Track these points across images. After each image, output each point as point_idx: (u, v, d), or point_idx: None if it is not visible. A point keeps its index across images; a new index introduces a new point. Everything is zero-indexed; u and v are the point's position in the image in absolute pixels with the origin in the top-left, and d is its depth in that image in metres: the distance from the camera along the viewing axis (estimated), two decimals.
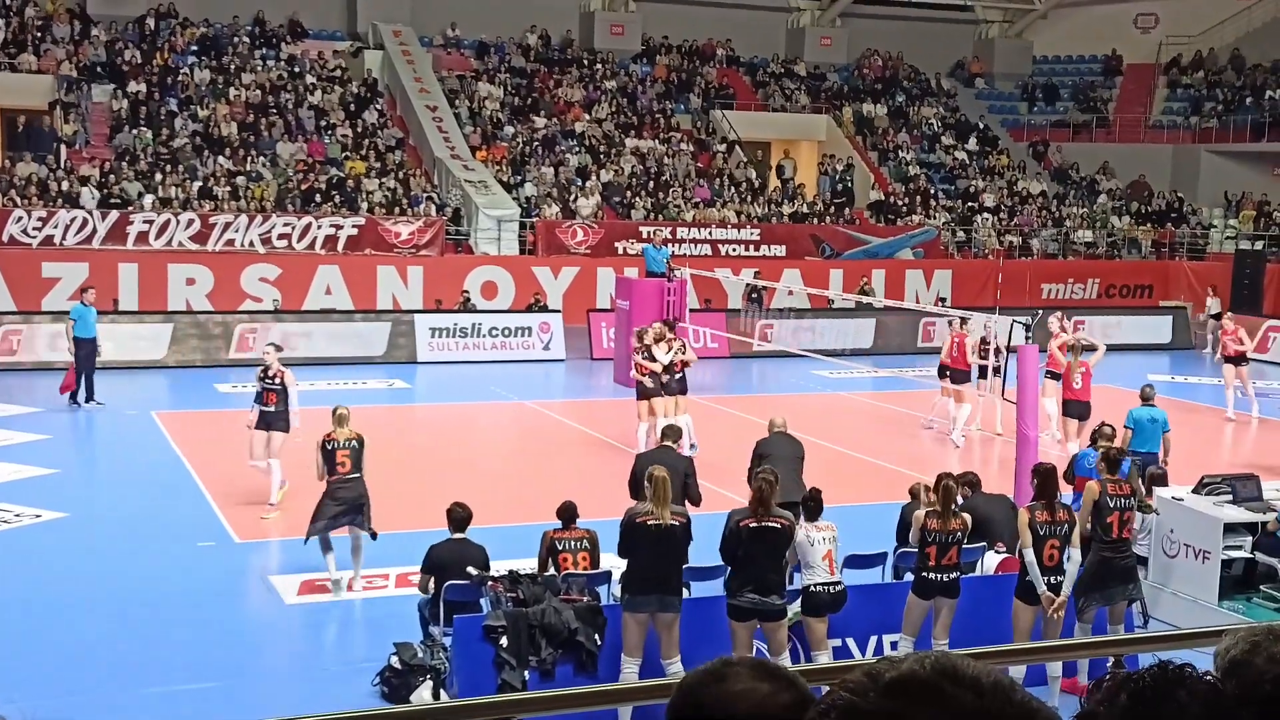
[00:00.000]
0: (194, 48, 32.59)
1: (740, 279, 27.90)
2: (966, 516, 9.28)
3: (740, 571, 8.56)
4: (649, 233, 27.99)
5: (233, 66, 32.35)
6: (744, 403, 20.90)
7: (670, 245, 25.71)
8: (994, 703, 1.41)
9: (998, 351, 16.38)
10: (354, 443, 11.23)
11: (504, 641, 8.58)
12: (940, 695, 1.41)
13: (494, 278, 28.40)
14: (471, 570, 9.25)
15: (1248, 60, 39.22)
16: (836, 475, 13.79)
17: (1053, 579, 8.83)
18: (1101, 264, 34.67)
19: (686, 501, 10.27)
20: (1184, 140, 38.94)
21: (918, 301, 28.54)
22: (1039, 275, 33.06)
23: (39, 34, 31.23)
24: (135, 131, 29.59)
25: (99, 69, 31.08)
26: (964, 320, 18.70)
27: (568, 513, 9.56)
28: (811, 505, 9.10)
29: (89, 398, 19.10)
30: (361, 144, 31.28)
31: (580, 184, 31.95)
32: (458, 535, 9.63)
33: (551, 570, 9.27)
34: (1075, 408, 16.32)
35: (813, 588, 8.85)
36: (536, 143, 33.06)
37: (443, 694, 8.81)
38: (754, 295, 27.32)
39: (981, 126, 39.16)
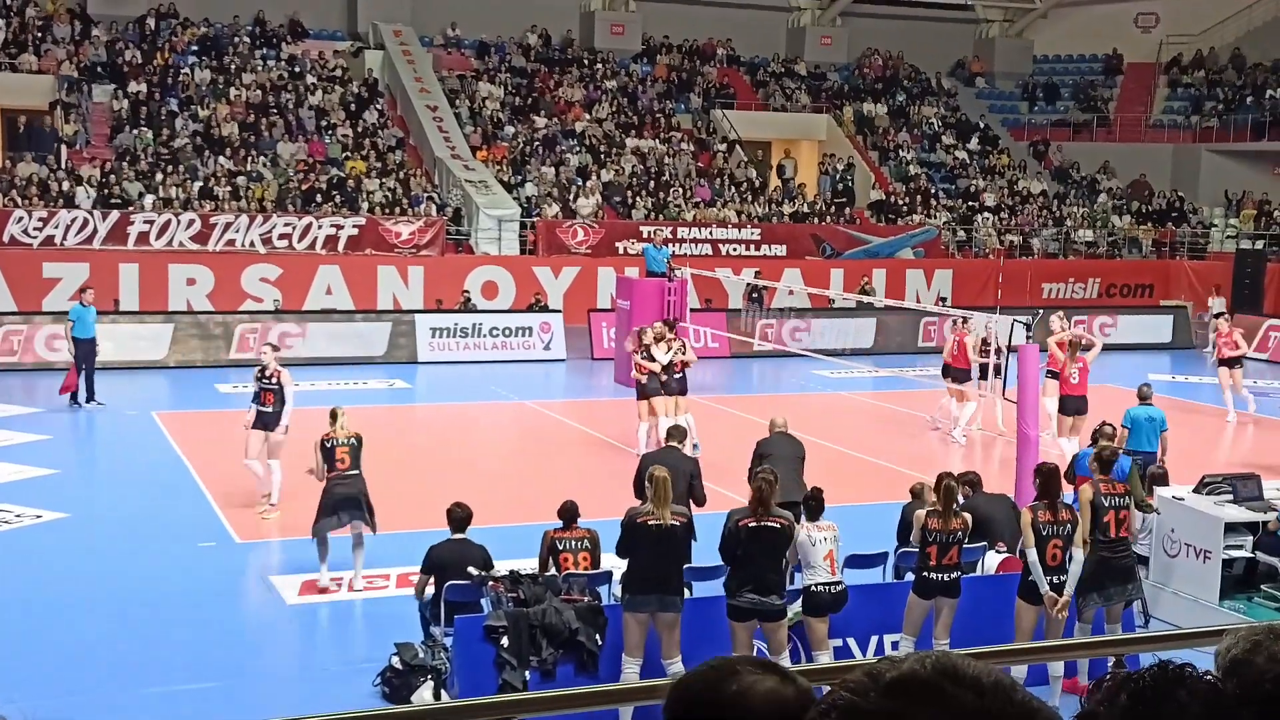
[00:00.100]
0: (194, 48, 32.60)
1: (741, 279, 27.88)
2: (967, 516, 9.28)
3: (739, 571, 8.55)
4: (649, 232, 27.96)
5: (233, 66, 32.35)
6: (745, 402, 20.90)
7: (671, 245, 25.73)
8: (995, 702, 1.41)
9: (999, 351, 16.38)
10: (353, 440, 11.37)
11: (505, 642, 8.58)
12: (941, 695, 1.42)
13: (494, 278, 28.40)
14: (472, 570, 9.25)
15: (1248, 59, 39.20)
16: (837, 475, 13.78)
17: (1056, 579, 8.83)
18: (1102, 263, 34.65)
19: (691, 502, 10.26)
20: (1184, 140, 38.93)
21: (918, 301, 28.51)
22: (1040, 275, 33.04)
23: (39, 34, 31.24)
24: (136, 131, 29.60)
25: (99, 69, 31.09)
26: (965, 320, 18.70)
27: (568, 513, 9.55)
28: (813, 505, 9.10)
29: (89, 398, 19.10)
30: (362, 144, 31.28)
31: (581, 184, 31.94)
32: (458, 535, 9.63)
33: (552, 570, 9.27)
34: (1071, 403, 16.31)
35: (814, 587, 8.84)
36: (537, 142, 33.06)
37: (444, 694, 8.81)
38: (755, 295, 27.31)
39: (982, 126, 39.16)
